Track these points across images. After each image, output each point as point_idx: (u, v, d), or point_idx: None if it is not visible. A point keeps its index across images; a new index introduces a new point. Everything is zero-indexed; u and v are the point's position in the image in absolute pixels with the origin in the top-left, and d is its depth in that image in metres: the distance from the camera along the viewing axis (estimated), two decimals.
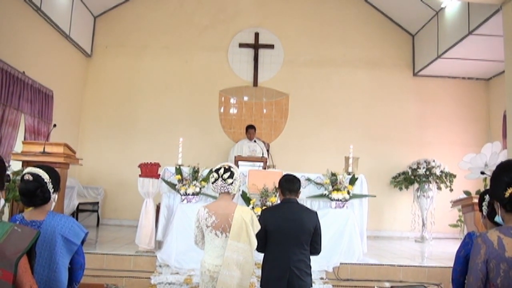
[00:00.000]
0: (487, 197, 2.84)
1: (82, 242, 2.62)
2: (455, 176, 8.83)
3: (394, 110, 10.05)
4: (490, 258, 1.97)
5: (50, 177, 2.61)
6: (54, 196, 2.67)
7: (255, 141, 8.59)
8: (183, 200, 6.07)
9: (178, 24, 10.16)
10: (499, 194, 2.06)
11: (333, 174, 6.36)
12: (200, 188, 6.10)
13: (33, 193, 2.54)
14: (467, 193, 7.11)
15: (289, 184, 3.73)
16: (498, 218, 2.15)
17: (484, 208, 2.88)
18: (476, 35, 7.72)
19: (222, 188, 3.37)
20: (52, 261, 2.46)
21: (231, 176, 3.36)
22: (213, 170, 3.45)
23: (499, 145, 7.04)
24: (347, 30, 10.26)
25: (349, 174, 6.50)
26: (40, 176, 2.57)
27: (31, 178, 2.55)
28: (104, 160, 9.64)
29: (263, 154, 8.03)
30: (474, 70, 9.63)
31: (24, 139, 7.17)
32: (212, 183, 3.42)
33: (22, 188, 2.55)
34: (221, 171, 3.37)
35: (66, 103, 8.98)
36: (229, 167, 3.41)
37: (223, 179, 3.35)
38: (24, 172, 2.61)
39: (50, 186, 2.60)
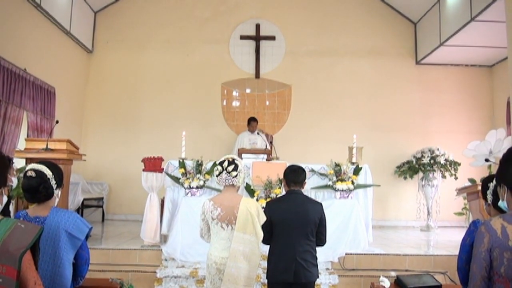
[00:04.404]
0: (491, 185, 2.81)
1: (86, 237, 2.62)
2: (459, 164, 8.80)
3: (398, 99, 10.01)
4: (494, 246, 1.94)
5: (53, 173, 2.60)
6: (58, 192, 2.67)
7: (258, 133, 8.56)
8: (187, 193, 6.08)
9: (178, 18, 10.12)
10: (508, 178, 2.02)
11: (337, 165, 6.34)
12: (204, 181, 6.11)
13: (36, 189, 2.53)
14: (472, 181, 7.09)
15: (294, 175, 3.72)
16: (502, 203, 2.11)
17: (489, 196, 2.85)
18: (479, 22, 7.64)
19: (226, 181, 3.38)
20: (56, 257, 2.46)
21: (236, 168, 3.37)
22: (217, 163, 3.45)
23: (504, 131, 7.00)
24: (348, 20, 10.19)
25: (353, 164, 6.48)
26: (43, 172, 2.57)
27: (34, 174, 2.54)
28: (107, 156, 9.66)
29: (266, 146, 8.01)
30: (477, 57, 9.55)
31: (27, 136, 7.19)
32: (217, 176, 3.43)
33: (25, 184, 2.55)
34: (225, 164, 3.37)
35: (68, 99, 8.98)
36: (233, 159, 3.41)
37: (227, 172, 3.36)
38: (27, 168, 2.60)
39: (53, 182, 2.59)
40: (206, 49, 10.05)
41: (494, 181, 2.87)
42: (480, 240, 2.00)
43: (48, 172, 2.58)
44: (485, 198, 2.91)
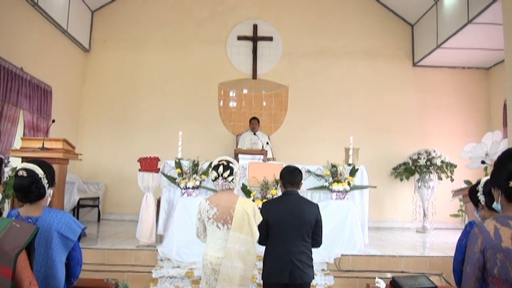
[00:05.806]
0: (480, 188, 2.83)
1: (79, 238, 2.60)
2: (455, 166, 8.82)
3: (394, 101, 10.01)
4: (487, 248, 1.95)
5: (44, 172, 2.58)
6: (50, 191, 2.65)
7: (258, 133, 8.59)
8: (183, 193, 6.07)
9: (176, 18, 10.10)
10: (502, 182, 1.99)
11: (334, 166, 6.35)
12: (200, 182, 6.10)
13: (28, 189, 2.51)
14: (468, 182, 7.11)
15: (291, 176, 3.73)
16: (496, 205, 2.10)
17: (481, 199, 2.86)
18: (476, 24, 7.64)
19: (223, 186, 3.40)
20: (48, 258, 2.44)
21: (231, 173, 3.37)
22: (212, 166, 3.44)
23: (500, 134, 7.03)
24: (346, 21, 10.19)
25: (349, 165, 6.48)
26: (34, 172, 2.54)
27: (25, 174, 2.52)
28: (104, 155, 9.63)
29: (262, 147, 8.00)
30: (474, 59, 9.57)
31: (23, 135, 7.16)
32: (213, 181, 3.43)
33: (16, 184, 2.53)
34: (221, 169, 3.37)
35: (65, 98, 8.94)
36: (228, 163, 3.40)
37: (223, 178, 3.36)
38: (18, 168, 2.58)
39: (45, 181, 2.57)
40: (203, 49, 10.03)
41: (481, 184, 2.89)
42: (474, 241, 2.01)
43: (39, 172, 2.56)
44: (476, 204, 2.92)
